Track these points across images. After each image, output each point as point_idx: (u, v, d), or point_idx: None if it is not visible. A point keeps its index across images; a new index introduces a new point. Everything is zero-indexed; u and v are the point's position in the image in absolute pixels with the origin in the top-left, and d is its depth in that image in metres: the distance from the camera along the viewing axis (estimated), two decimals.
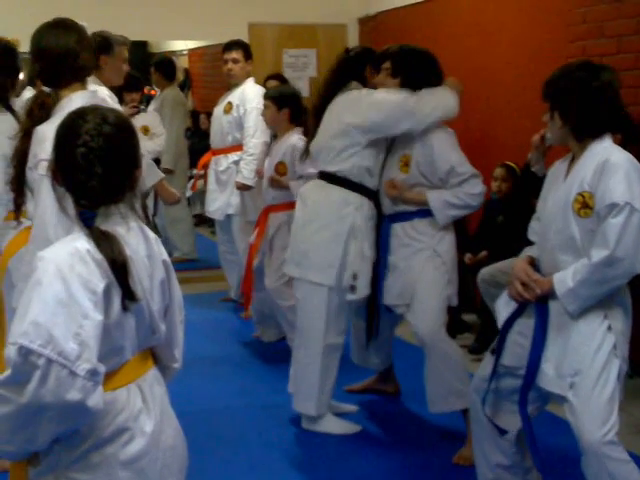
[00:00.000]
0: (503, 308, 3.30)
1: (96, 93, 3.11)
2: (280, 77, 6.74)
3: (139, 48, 10.45)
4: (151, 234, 2.24)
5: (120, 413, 2.12)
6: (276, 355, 5.53)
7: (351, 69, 4.36)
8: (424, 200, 4.10)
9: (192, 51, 11.36)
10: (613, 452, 2.88)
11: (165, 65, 8.29)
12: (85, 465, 2.10)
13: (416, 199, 4.14)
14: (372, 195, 4.29)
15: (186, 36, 8.69)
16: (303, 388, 4.36)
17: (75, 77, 3.05)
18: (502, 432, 3.25)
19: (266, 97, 5.51)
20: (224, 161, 6.44)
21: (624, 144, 4.65)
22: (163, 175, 5.05)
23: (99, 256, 2.03)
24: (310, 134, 4.54)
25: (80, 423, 2.04)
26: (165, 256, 2.27)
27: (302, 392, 4.37)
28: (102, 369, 2.01)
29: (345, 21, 8.05)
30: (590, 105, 3.00)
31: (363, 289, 4.27)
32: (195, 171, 7.89)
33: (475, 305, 5.97)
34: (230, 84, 6.49)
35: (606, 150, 3.00)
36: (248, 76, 6.42)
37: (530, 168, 3.68)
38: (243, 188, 6.17)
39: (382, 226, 4.31)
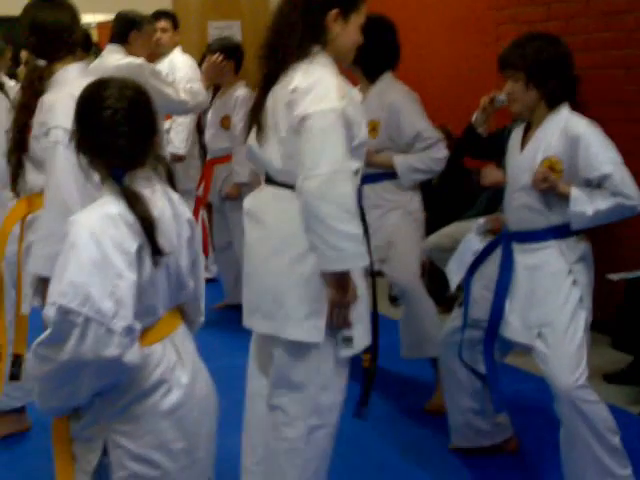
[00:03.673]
0: (454, 273, 3.48)
1: (88, 65, 3.21)
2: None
3: None
4: (175, 195, 2.34)
5: (157, 366, 2.21)
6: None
7: None
8: (391, 164, 4.19)
9: (101, 24, 11.13)
10: (585, 395, 3.08)
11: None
12: (128, 417, 2.20)
13: (384, 163, 4.21)
14: None
15: (101, 9, 8.44)
16: None
17: (69, 51, 3.21)
18: (481, 378, 3.45)
19: (209, 50, 5.41)
20: None
21: None
22: None
23: (129, 218, 2.12)
24: None
25: (118, 378, 2.13)
26: (189, 215, 2.37)
27: None
28: (137, 326, 2.09)
29: None
30: (566, 74, 3.21)
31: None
32: None
33: None
34: (157, 54, 6.38)
35: (568, 118, 3.18)
36: (176, 45, 6.40)
37: (473, 129, 3.79)
38: (175, 158, 6.16)
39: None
